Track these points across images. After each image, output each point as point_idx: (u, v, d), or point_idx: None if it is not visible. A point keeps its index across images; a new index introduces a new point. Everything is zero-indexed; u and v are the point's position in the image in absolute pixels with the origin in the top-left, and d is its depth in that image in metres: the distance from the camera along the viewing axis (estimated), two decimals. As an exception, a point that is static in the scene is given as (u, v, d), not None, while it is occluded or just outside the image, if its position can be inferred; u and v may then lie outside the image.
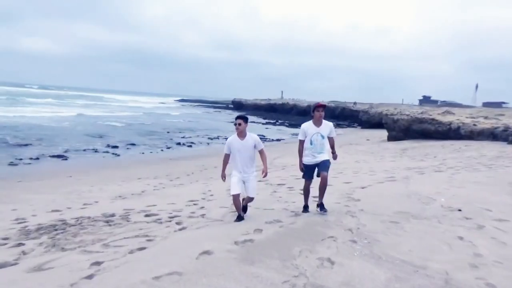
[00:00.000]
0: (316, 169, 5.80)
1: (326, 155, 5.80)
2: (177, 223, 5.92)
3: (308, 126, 5.83)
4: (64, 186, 11.07)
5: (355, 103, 64.41)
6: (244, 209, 5.91)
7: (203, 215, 6.38)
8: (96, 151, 20.60)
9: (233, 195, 5.60)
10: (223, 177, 5.81)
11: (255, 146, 5.69)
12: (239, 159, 5.62)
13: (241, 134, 5.65)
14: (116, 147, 22.23)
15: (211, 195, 8.48)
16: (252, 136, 5.72)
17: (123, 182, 11.55)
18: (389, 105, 58.07)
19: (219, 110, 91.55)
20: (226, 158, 5.78)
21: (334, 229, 4.92)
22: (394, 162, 12.89)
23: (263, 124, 48.59)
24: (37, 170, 14.71)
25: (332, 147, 5.93)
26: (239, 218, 5.66)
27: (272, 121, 54.46)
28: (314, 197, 6.06)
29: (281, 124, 51.17)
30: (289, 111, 72.30)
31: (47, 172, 14.30)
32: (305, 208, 6.02)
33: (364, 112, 50.98)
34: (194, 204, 7.46)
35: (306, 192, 6.06)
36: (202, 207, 7.10)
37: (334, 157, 5.94)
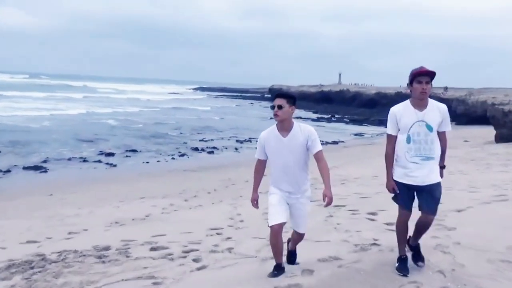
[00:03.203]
0: (416, 197, 4.75)
1: (436, 171, 4.75)
2: (195, 260, 5.97)
3: (402, 110, 4.72)
4: (43, 208, 11.47)
5: (446, 88, 62.92)
6: (292, 255, 5.15)
7: (230, 249, 6.40)
8: (85, 160, 21.28)
9: (272, 227, 4.54)
10: (254, 200, 4.93)
11: (307, 147, 4.59)
12: (280, 169, 4.61)
13: (284, 126, 4.56)
14: (111, 154, 22.88)
15: (241, 220, 8.50)
16: (303, 128, 4.61)
17: (121, 203, 11.81)
18: (497, 90, 56.20)
19: (252, 101, 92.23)
20: (259, 166, 4.84)
21: (417, 270, 4.82)
22: (505, 173, 12.44)
23: (313, 120, 48.48)
24: (8, 187, 15.37)
25: (443, 152, 4.79)
26: (278, 269, 4.77)
27: (326, 116, 54.40)
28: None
29: (338, 120, 50.93)
30: (349, 102, 71.88)
31: (20, 189, 14.91)
32: (402, 263, 4.85)
33: (460, 101, 49.71)
34: (218, 234, 7.50)
35: (400, 232, 4.96)
36: (229, 238, 7.13)
37: (441, 173, 4.80)
